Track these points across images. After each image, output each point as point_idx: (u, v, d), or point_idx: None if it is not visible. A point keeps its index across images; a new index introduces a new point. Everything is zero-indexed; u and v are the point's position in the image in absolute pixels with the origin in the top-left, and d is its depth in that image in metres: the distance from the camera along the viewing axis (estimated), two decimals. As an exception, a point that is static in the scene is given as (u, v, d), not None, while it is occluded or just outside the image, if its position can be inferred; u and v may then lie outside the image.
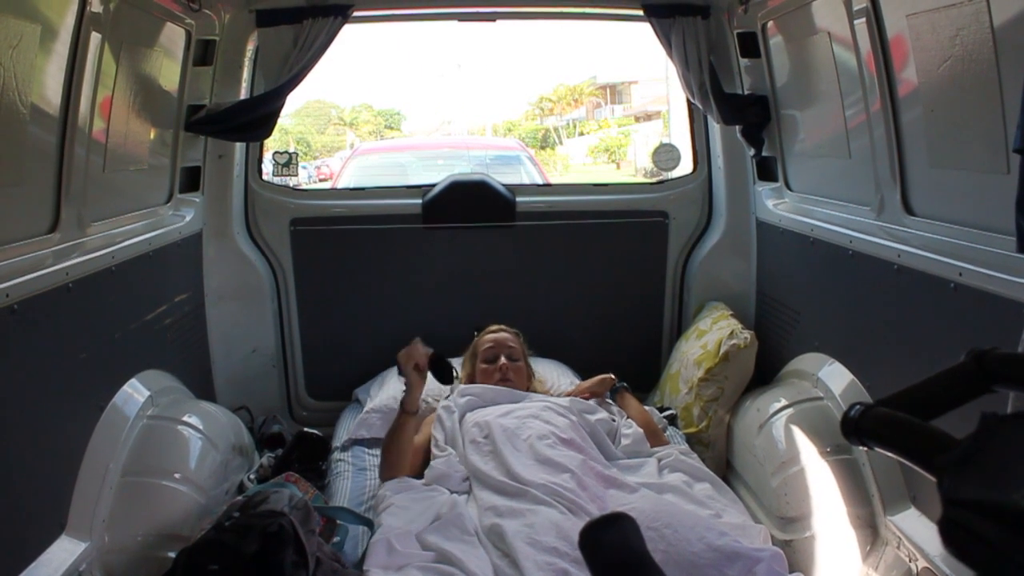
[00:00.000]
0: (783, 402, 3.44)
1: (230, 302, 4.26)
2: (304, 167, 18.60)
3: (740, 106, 4.04)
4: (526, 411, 3.32)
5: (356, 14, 4.02)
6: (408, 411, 3.26)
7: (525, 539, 2.54)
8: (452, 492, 2.97)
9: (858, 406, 1.27)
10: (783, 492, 3.15)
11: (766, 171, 4.16)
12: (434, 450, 3.24)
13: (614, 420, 3.49)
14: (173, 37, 3.56)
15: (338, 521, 2.89)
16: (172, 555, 2.53)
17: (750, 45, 3.97)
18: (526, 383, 3.73)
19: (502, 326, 3.87)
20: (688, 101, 4.31)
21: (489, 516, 2.73)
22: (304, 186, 9.23)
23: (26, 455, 2.47)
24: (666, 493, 2.99)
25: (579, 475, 2.89)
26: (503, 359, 3.69)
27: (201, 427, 3.30)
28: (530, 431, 3.14)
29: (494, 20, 4.49)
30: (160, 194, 3.77)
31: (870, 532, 2.97)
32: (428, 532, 2.67)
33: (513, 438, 3.11)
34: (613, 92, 35.19)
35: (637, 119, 31.63)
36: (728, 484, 3.37)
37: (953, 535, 0.98)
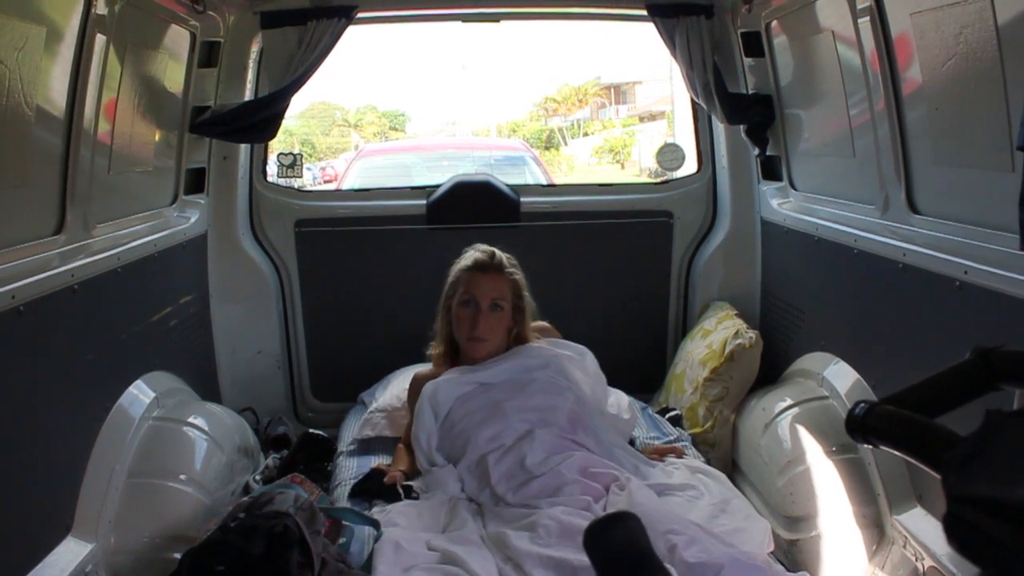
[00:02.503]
0: (788, 401, 3.44)
1: (235, 303, 4.26)
2: (309, 168, 18.62)
3: (744, 105, 4.04)
4: (517, 433, 2.99)
5: (360, 15, 4.03)
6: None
7: (530, 541, 2.53)
8: (451, 496, 2.93)
9: (863, 404, 1.27)
10: (789, 491, 3.15)
11: (770, 170, 4.16)
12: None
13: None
14: (178, 39, 3.57)
15: (344, 522, 2.88)
16: (178, 556, 2.53)
17: (754, 44, 3.97)
18: (506, 336, 3.26)
19: (495, 254, 3.30)
20: (692, 101, 4.32)
21: (496, 524, 2.72)
22: (309, 187, 9.24)
23: (32, 456, 2.48)
24: (666, 493, 2.94)
25: (583, 482, 2.83)
26: (484, 315, 3.18)
27: (206, 428, 3.31)
28: (524, 457, 2.90)
29: (498, 21, 4.49)
30: (165, 196, 3.78)
31: (876, 531, 2.97)
32: (434, 535, 2.67)
33: (511, 474, 2.89)
34: (617, 92, 35.15)
35: (641, 119, 31.59)
36: (734, 484, 3.36)
37: (957, 531, 0.98)
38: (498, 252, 3.31)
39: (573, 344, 3.45)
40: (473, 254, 3.31)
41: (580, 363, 3.32)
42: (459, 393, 3.15)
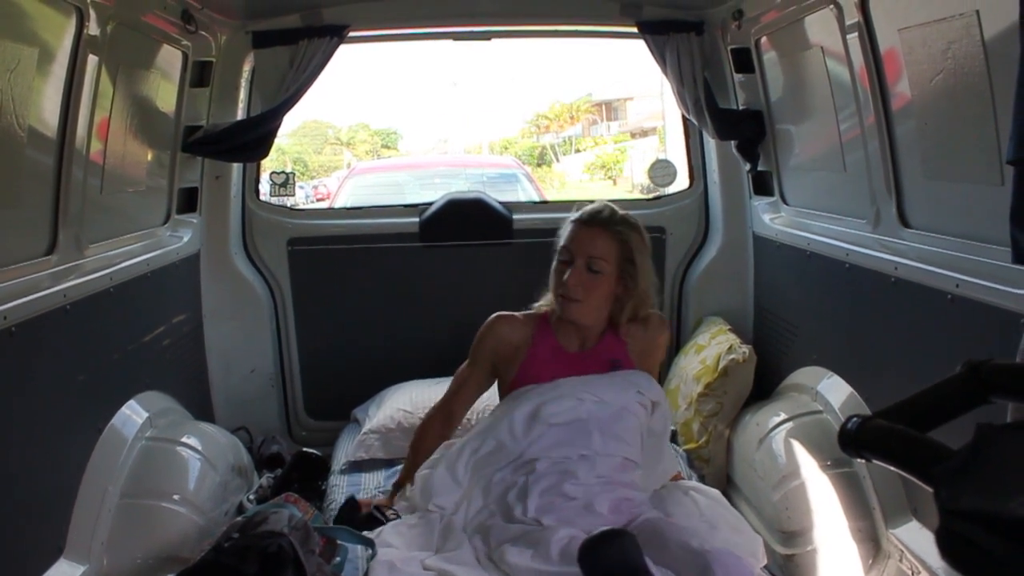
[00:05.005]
0: (782, 416, 3.44)
1: (228, 322, 4.26)
2: (301, 187, 18.63)
3: (735, 121, 4.06)
4: (583, 455, 2.72)
5: (352, 34, 4.05)
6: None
7: (531, 559, 2.51)
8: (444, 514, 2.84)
9: (855, 418, 1.27)
10: (784, 506, 3.15)
11: (762, 185, 4.18)
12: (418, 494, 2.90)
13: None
14: (170, 59, 3.58)
15: (338, 541, 2.87)
16: (171, 577, 2.53)
17: (744, 60, 4.00)
18: (608, 307, 2.85)
19: (606, 209, 2.87)
20: (683, 117, 4.33)
21: (499, 537, 2.67)
22: (301, 206, 9.24)
23: (24, 478, 2.46)
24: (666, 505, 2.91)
25: (608, 517, 2.65)
26: (577, 272, 2.79)
27: (200, 448, 3.29)
28: (567, 481, 2.68)
29: (489, 39, 4.50)
30: (158, 215, 3.78)
31: (872, 545, 2.96)
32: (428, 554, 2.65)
33: (549, 489, 2.68)
34: (609, 109, 35.27)
35: (633, 135, 31.71)
36: (729, 499, 3.35)
37: (950, 545, 0.98)
38: (617, 210, 2.88)
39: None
40: (585, 206, 2.92)
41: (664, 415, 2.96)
42: (549, 397, 2.79)
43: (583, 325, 2.89)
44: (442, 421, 3.04)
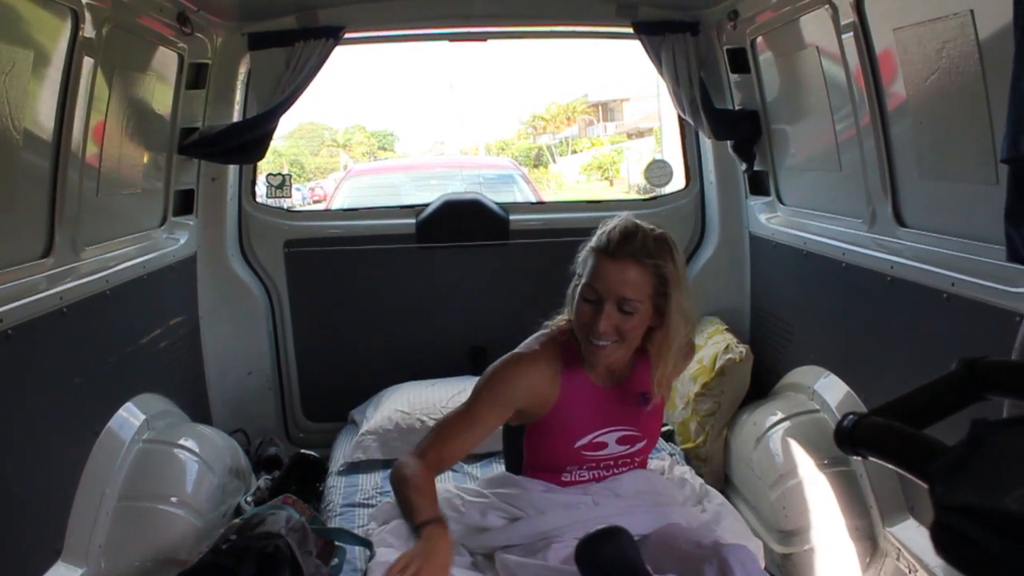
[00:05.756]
0: (779, 415, 3.44)
1: (225, 325, 4.26)
2: (298, 189, 18.63)
3: (731, 121, 4.06)
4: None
5: (347, 36, 4.05)
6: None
7: (530, 558, 2.51)
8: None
9: (851, 416, 1.27)
10: (781, 505, 3.15)
11: (758, 185, 4.18)
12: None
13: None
14: (166, 61, 3.58)
15: (336, 543, 2.87)
16: (170, 579, 2.53)
17: (740, 61, 4.00)
18: (628, 351, 2.47)
19: (632, 232, 2.38)
20: (679, 117, 4.34)
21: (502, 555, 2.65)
22: (298, 208, 9.24)
23: (21, 481, 2.46)
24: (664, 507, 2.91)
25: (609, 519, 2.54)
26: (607, 316, 2.36)
27: (197, 450, 3.29)
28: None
29: (485, 40, 4.50)
30: (154, 217, 3.78)
31: (869, 544, 2.97)
32: None
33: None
34: (605, 110, 35.27)
35: (629, 136, 31.70)
36: (726, 498, 3.36)
37: (945, 540, 0.98)
38: (645, 229, 2.40)
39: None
40: (608, 229, 2.42)
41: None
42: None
43: (606, 368, 2.54)
44: (430, 471, 2.52)
